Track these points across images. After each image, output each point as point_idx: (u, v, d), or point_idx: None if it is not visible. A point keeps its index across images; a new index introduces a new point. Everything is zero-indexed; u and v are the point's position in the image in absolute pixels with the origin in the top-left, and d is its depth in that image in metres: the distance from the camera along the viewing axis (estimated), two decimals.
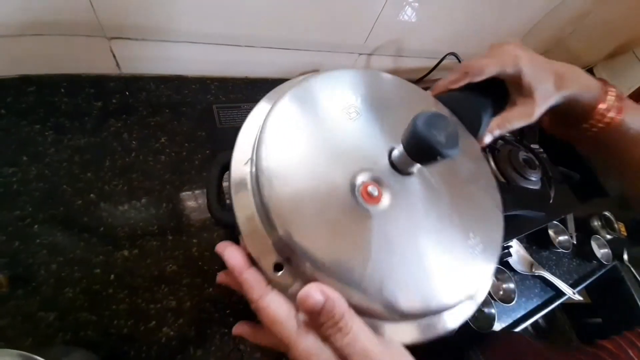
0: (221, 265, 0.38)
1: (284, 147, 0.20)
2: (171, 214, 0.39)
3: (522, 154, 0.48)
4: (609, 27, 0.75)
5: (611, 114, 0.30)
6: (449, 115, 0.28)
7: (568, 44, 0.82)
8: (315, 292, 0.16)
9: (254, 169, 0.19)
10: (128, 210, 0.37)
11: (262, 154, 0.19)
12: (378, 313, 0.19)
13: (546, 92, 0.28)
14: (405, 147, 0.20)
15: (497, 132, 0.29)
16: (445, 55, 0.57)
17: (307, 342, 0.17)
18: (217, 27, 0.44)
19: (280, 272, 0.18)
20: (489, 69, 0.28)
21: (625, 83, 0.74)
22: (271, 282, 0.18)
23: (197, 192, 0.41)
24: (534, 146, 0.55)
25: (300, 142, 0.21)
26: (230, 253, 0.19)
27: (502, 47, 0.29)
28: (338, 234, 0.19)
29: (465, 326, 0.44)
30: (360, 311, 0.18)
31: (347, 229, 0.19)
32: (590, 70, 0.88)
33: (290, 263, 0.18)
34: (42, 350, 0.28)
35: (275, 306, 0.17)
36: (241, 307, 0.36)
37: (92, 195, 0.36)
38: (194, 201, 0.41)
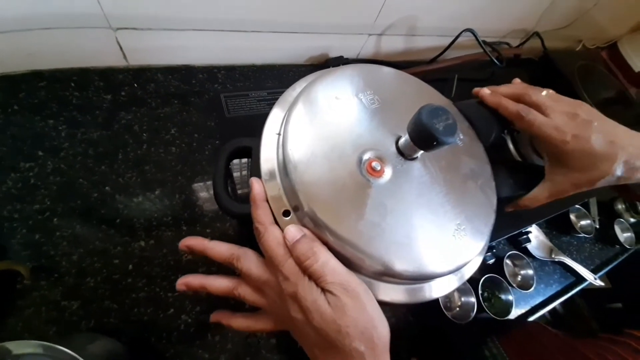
0: None
1: (308, 120, 0.23)
2: (184, 205, 0.39)
3: None
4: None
5: None
6: (457, 114, 0.31)
7: (592, 16, 0.77)
8: (294, 229, 0.21)
9: (281, 132, 0.23)
10: (142, 202, 0.37)
11: (291, 120, 0.23)
12: (362, 267, 0.22)
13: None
14: (409, 133, 0.23)
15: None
16: (461, 32, 0.54)
17: (293, 265, 0.21)
18: (223, 13, 0.43)
19: (287, 218, 0.22)
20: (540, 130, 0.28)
21: None
22: (279, 224, 0.23)
23: (208, 182, 0.41)
24: None
25: (320, 122, 0.24)
26: (257, 184, 0.23)
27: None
28: (339, 193, 0.22)
29: (481, 312, 0.44)
30: (349, 264, 0.21)
31: (348, 192, 0.22)
32: (614, 45, 0.82)
33: (296, 211, 0.22)
34: (68, 338, 0.29)
35: (277, 233, 0.22)
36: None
37: (107, 187, 0.37)
38: (205, 192, 0.41)
